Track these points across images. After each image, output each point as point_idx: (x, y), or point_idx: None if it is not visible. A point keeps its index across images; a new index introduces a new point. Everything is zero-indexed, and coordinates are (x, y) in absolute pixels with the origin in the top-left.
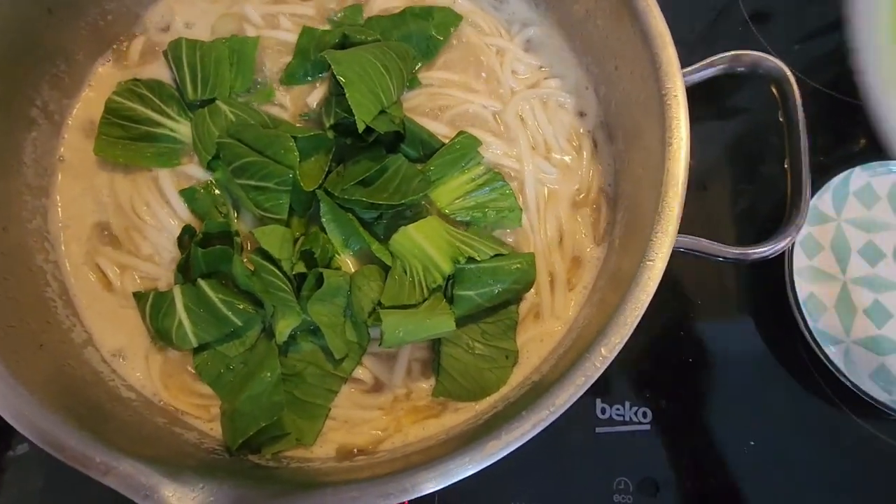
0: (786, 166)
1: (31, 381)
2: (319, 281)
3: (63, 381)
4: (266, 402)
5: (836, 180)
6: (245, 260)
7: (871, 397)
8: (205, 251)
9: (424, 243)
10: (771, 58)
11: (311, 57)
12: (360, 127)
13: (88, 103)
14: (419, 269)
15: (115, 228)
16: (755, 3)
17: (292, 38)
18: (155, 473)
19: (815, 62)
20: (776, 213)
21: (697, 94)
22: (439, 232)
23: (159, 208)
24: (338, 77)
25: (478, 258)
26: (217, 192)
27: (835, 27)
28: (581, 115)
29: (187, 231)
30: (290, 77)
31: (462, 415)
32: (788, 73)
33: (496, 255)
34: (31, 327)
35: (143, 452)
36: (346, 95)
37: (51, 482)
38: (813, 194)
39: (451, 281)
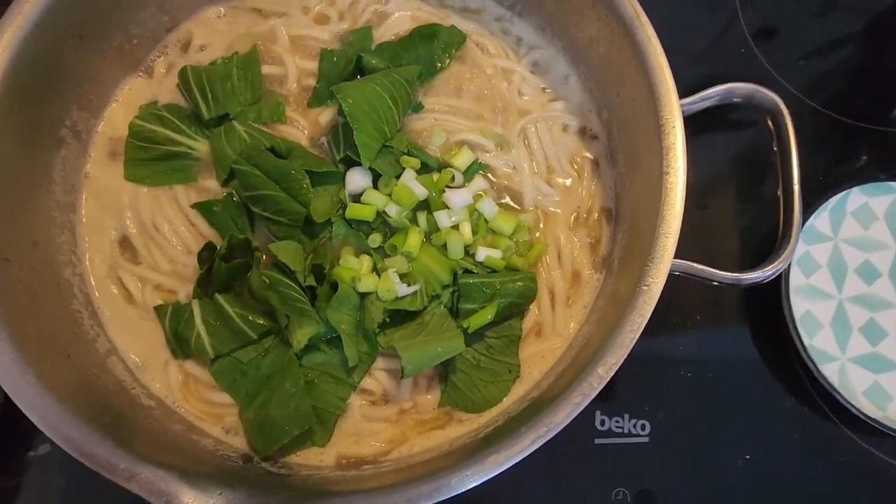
0: (779, 194)
1: (60, 390)
2: (333, 289)
3: (89, 391)
4: (294, 412)
5: (834, 200)
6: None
7: (865, 414)
8: (228, 265)
9: (426, 259)
10: (764, 90)
11: (333, 82)
12: (365, 165)
13: (113, 122)
14: (421, 280)
15: (137, 243)
16: (759, 20)
17: (307, 63)
18: (175, 480)
19: (816, 80)
20: (776, 234)
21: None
22: (440, 251)
23: (180, 224)
24: (347, 117)
25: (474, 270)
26: (235, 200)
27: (837, 45)
28: (584, 137)
29: (208, 247)
30: (317, 100)
31: (465, 426)
32: (782, 105)
33: (492, 272)
34: (59, 339)
35: (163, 459)
36: (354, 136)
37: (72, 482)
38: (811, 214)
39: (456, 294)
